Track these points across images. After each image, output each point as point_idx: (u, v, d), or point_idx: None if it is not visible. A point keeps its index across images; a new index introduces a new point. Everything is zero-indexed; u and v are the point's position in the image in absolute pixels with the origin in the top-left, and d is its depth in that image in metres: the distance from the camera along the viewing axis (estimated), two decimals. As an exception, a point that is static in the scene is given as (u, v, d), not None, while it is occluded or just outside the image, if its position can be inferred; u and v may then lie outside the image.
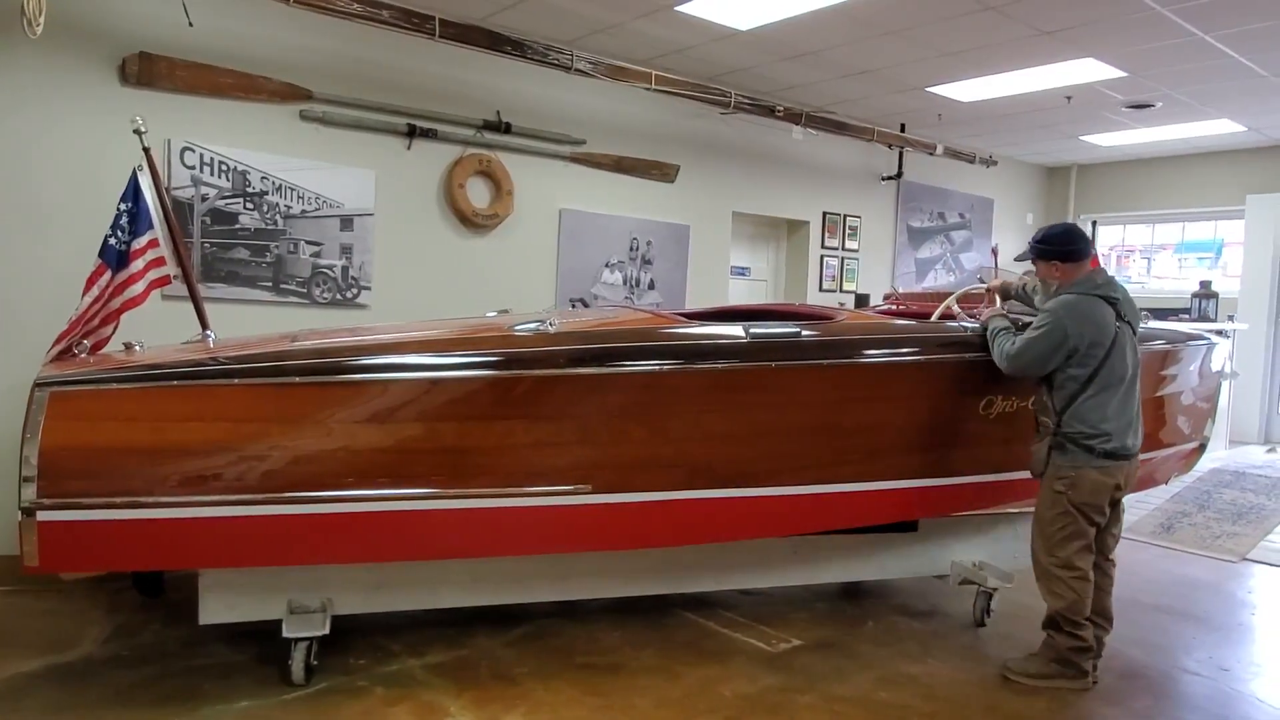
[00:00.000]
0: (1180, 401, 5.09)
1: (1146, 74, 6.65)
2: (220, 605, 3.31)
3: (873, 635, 4.04)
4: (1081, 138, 9.07)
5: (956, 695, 3.45)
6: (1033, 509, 3.73)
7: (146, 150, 3.48)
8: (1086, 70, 6.56)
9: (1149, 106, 7.64)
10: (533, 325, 3.30)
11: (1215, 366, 5.47)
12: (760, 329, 3.52)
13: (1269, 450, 8.49)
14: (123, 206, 3.49)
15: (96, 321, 3.46)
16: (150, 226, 3.53)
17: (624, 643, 3.81)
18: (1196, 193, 9.82)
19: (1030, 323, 3.69)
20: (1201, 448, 5.57)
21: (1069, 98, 7.37)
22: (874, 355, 3.68)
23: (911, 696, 3.42)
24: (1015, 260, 3.99)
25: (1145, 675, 3.75)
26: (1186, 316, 8.63)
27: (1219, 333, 6.38)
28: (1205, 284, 9.20)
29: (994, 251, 6.74)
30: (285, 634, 3.23)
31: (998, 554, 4.46)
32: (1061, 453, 3.53)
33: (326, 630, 3.28)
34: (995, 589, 4.19)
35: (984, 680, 3.60)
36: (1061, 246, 3.63)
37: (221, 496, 2.94)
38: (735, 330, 3.49)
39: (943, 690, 3.49)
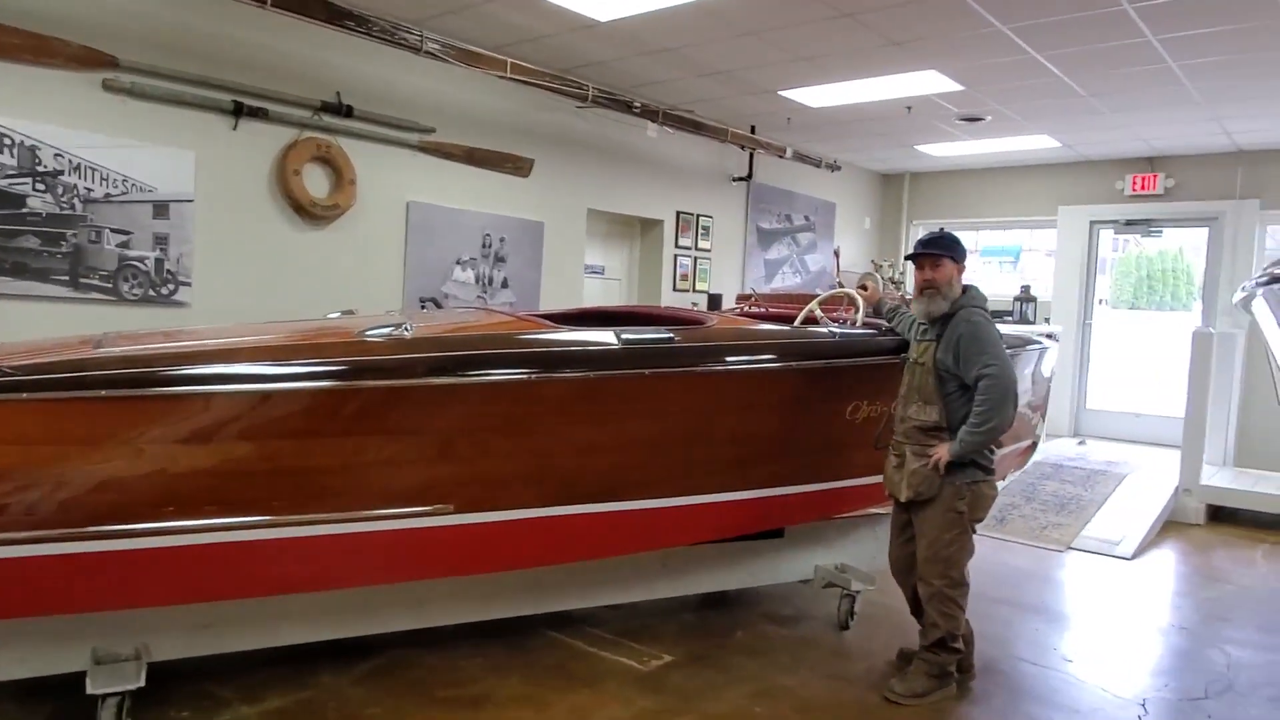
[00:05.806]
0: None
1: (981, 88, 6.99)
2: (8, 659, 2.81)
3: (743, 645, 3.97)
4: (916, 147, 9.49)
5: (831, 705, 3.43)
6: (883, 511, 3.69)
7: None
8: (928, 82, 6.82)
9: (979, 120, 8.07)
10: (387, 330, 2.97)
11: (1046, 370, 5.80)
12: (633, 335, 3.35)
13: (1080, 444, 9.20)
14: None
15: None
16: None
17: (487, 670, 3.55)
18: (1015, 203, 10.51)
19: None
20: (1034, 445, 5.91)
21: (909, 108, 7.65)
22: (748, 362, 3.59)
23: (788, 710, 3.36)
24: (912, 256, 3.89)
25: (999, 670, 3.87)
26: (1010, 319, 9.20)
27: (1049, 335, 6.78)
28: (1025, 288, 9.86)
29: (836, 254, 6.87)
30: (90, 690, 2.75)
31: (859, 556, 4.51)
32: (960, 471, 3.46)
33: (141, 682, 2.82)
34: (858, 591, 4.22)
35: (856, 688, 3.59)
36: (960, 249, 3.62)
37: (9, 534, 2.47)
38: (607, 337, 3.30)
39: (818, 701, 3.45)
